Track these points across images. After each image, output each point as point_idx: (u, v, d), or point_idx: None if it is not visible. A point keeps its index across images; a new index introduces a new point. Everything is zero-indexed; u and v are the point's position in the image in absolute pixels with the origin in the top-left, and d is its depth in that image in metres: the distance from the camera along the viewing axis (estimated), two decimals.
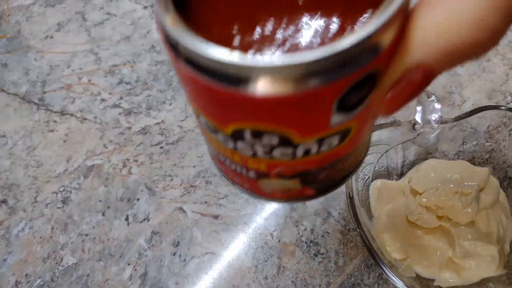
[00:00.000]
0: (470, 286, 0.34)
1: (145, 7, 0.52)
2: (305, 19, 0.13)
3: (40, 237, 0.41)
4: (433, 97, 0.34)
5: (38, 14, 0.53)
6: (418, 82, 0.13)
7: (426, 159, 0.38)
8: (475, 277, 0.34)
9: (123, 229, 0.40)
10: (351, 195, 0.33)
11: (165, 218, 0.41)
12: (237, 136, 0.15)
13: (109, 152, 0.44)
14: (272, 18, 0.14)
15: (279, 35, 0.13)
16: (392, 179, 0.38)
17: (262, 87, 0.12)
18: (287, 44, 0.13)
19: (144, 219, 0.41)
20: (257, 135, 0.15)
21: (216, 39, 0.13)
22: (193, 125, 0.45)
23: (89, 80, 0.48)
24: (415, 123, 0.34)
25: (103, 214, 0.41)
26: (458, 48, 0.12)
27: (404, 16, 0.13)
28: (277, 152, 0.16)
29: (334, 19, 0.13)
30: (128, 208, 0.41)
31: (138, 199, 0.42)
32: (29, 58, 0.50)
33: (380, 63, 0.13)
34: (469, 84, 0.45)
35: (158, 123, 0.45)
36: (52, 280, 0.39)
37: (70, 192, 0.42)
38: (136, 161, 0.43)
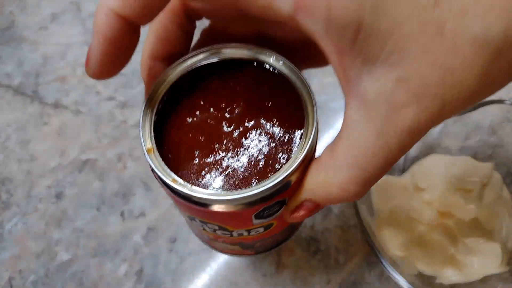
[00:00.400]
0: (472, 283, 0.33)
1: None
2: (242, 153, 0.20)
3: (34, 232, 0.40)
4: None
5: (32, 5, 0.52)
6: (312, 208, 0.20)
7: (429, 154, 0.38)
8: (478, 274, 0.33)
9: (118, 225, 0.40)
10: None
11: (162, 214, 0.40)
12: (191, 218, 0.22)
13: (104, 146, 0.43)
14: (221, 149, 0.20)
15: (224, 162, 0.20)
16: (394, 175, 0.37)
17: (202, 205, 0.19)
18: (229, 169, 0.19)
19: (140, 215, 0.40)
20: (204, 222, 0.22)
21: (183, 160, 0.19)
22: None
23: (84, 72, 0.47)
24: None
25: (98, 210, 0.40)
26: (331, 199, 0.19)
27: (307, 163, 0.20)
28: (219, 232, 0.23)
29: (262, 155, 0.20)
30: (124, 203, 0.40)
31: (134, 195, 0.41)
32: (23, 50, 0.49)
33: (287, 194, 0.20)
34: None
35: None
36: (46, 276, 0.38)
37: (65, 186, 0.41)
38: (131, 155, 0.42)
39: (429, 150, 0.38)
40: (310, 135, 0.19)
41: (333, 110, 0.43)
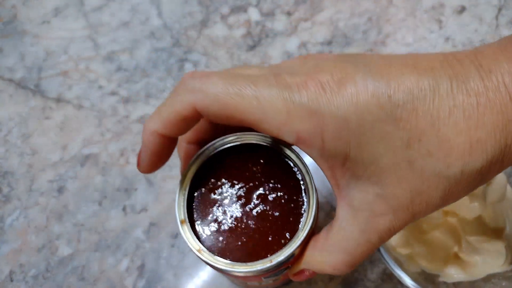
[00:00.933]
0: (475, 282, 0.33)
1: None
2: (254, 228, 0.24)
3: (35, 226, 0.40)
4: None
5: None
6: (310, 274, 0.24)
7: None
8: (481, 273, 0.33)
9: (120, 220, 0.39)
10: None
11: (164, 209, 0.40)
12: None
13: (106, 141, 0.43)
14: (238, 223, 0.24)
15: (240, 235, 0.24)
16: None
17: (222, 271, 0.23)
18: (243, 241, 0.23)
19: (142, 210, 0.40)
20: (224, 275, 0.28)
21: (208, 230, 0.24)
22: None
23: (87, 67, 0.47)
24: None
25: (99, 204, 0.40)
26: (325, 272, 0.23)
27: (308, 239, 0.24)
28: (236, 281, 0.31)
29: (271, 231, 0.24)
30: (126, 198, 0.40)
31: (135, 189, 0.41)
32: (25, 43, 0.49)
33: (291, 263, 0.24)
34: None
35: None
36: (47, 270, 0.38)
37: (66, 181, 0.41)
38: (134, 150, 0.42)
39: None
40: (311, 216, 0.23)
41: None
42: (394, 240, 0.34)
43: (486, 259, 0.33)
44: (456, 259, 0.34)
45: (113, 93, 0.45)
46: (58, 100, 0.45)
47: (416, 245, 0.34)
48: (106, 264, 0.38)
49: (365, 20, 0.46)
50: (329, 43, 0.45)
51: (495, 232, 0.34)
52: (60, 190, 0.41)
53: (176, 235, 0.39)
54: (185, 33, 0.47)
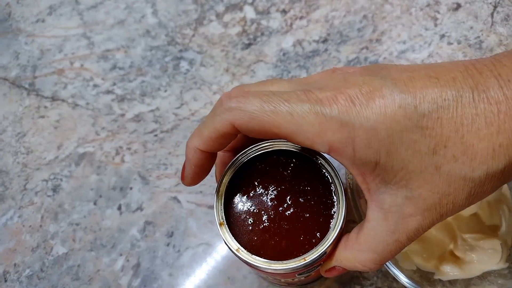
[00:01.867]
0: (471, 280, 0.33)
1: None
2: (287, 228, 0.25)
3: (30, 226, 0.39)
4: None
5: None
6: (342, 270, 0.26)
7: None
8: (477, 271, 0.33)
9: (115, 219, 0.39)
10: (351, 186, 0.32)
11: (159, 207, 0.39)
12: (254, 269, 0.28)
13: (101, 140, 0.43)
14: (271, 224, 0.25)
15: (274, 235, 0.25)
16: None
17: (259, 268, 0.25)
18: (277, 240, 0.25)
19: (137, 209, 0.39)
20: (259, 273, 0.30)
21: (244, 231, 0.25)
22: (188, 112, 0.43)
23: (82, 65, 0.47)
24: None
25: (94, 203, 0.40)
26: (355, 269, 0.25)
27: (339, 238, 0.25)
28: (270, 278, 0.32)
29: (302, 230, 0.25)
30: (121, 197, 0.40)
31: (131, 188, 0.40)
32: (20, 42, 0.48)
33: (323, 260, 0.26)
34: None
35: (153, 110, 0.44)
36: (41, 270, 0.38)
37: (61, 180, 0.41)
38: (129, 149, 0.42)
39: None
40: (341, 217, 0.25)
41: None
42: None
43: (482, 257, 0.33)
44: (451, 256, 0.34)
45: (108, 92, 0.45)
46: (53, 98, 0.45)
47: (412, 243, 0.34)
48: (101, 263, 0.38)
49: (361, 18, 0.46)
50: (324, 41, 0.45)
51: (491, 230, 0.34)
52: (55, 189, 0.41)
53: (172, 234, 0.38)
54: (180, 31, 0.47)
